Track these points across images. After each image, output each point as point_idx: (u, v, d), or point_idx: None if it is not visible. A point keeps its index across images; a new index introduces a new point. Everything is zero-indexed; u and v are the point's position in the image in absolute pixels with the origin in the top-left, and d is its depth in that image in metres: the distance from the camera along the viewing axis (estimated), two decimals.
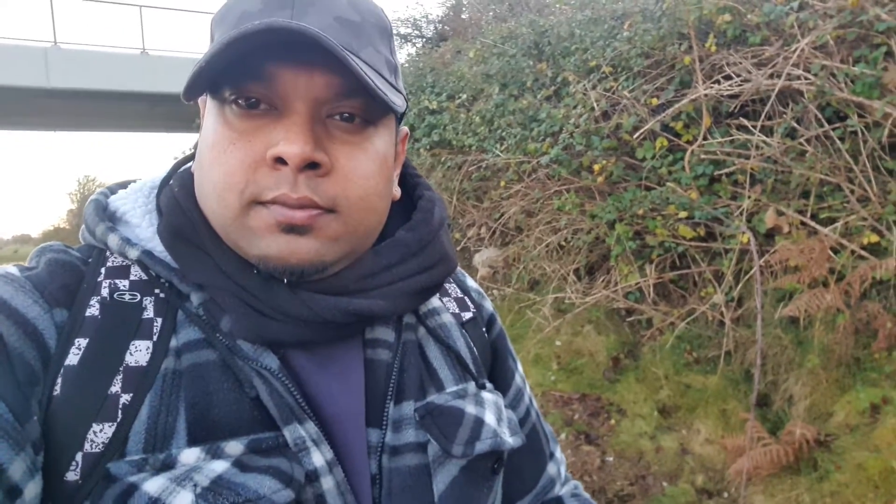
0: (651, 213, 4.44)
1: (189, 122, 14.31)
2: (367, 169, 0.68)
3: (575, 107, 5.04)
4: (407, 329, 0.76)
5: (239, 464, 0.61)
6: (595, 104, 4.85)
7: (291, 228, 0.64)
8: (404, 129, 0.81)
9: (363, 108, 0.67)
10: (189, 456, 0.60)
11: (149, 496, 0.57)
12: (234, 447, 0.62)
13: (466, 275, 0.94)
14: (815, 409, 3.46)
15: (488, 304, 0.91)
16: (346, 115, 0.67)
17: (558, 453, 0.95)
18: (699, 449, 3.89)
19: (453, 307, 0.84)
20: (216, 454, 0.61)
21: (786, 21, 3.96)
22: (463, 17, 13.67)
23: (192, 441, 0.62)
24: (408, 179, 0.84)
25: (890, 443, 2.82)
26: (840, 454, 3.05)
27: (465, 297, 0.88)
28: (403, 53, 13.18)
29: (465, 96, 6.76)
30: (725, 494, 3.57)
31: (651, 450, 4.01)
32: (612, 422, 4.33)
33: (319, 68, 0.63)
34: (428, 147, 6.71)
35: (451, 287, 0.88)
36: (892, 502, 2.49)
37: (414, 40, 14.42)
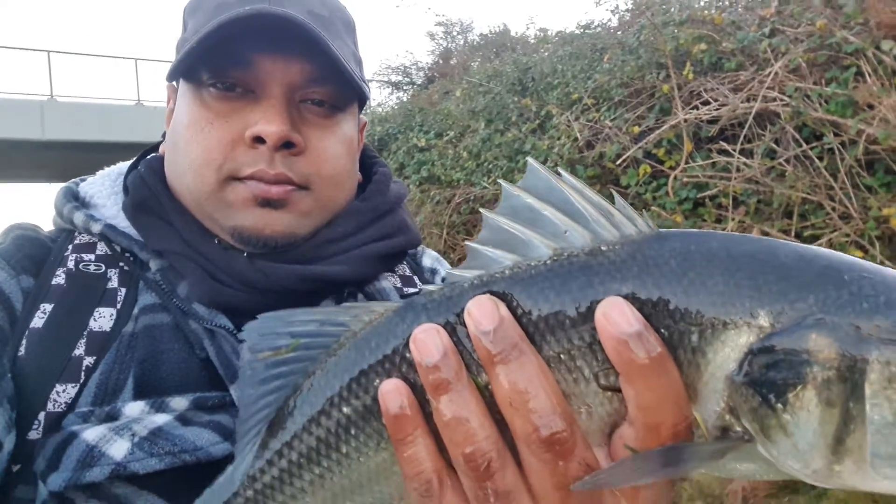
0: None
1: None
2: (337, 150, 0.74)
3: (559, 138, 5.13)
4: (348, 298, 0.78)
5: (181, 418, 0.63)
6: (578, 134, 4.93)
7: (267, 202, 0.69)
8: (363, 118, 0.86)
9: (333, 94, 0.73)
10: (133, 409, 0.62)
11: (86, 443, 0.58)
12: (179, 402, 0.63)
13: (427, 250, 0.94)
14: None
15: (439, 279, 0.91)
16: (317, 100, 0.72)
17: None
18: (697, 475, 3.81)
19: (395, 281, 0.85)
20: (160, 408, 0.63)
21: (759, 47, 4.08)
22: (451, 62, 14.02)
23: (138, 395, 0.63)
24: (365, 161, 0.88)
25: None
26: None
27: (414, 276, 0.88)
28: (394, 98, 13.47)
29: (452, 133, 6.87)
30: None
31: None
32: None
33: (295, 56, 0.69)
34: (417, 183, 6.78)
35: (400, 266, 0.88)
36: None
37: (405, 87, 14.75)
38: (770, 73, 3.86)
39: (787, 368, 0.37)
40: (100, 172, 0.84)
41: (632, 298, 0.39)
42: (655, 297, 0.39)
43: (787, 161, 3.85)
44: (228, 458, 0.62)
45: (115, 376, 0.64)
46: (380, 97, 13.66)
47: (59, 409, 0.62)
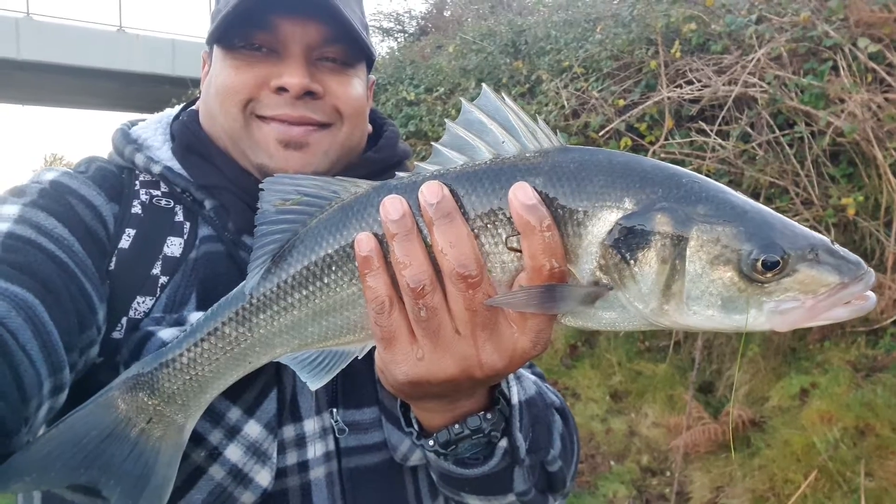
0: None
1: (163, 103, 14.06)
2: (354, 92, 0.87)
3: (547, 104, 5.24)
4: None
5: None
6: (566, 102, 5.05)
7: (289, 144, 0.82)
8: (372, 77, 0.99)
9: (344, 52, 0.86)
10: (195, 317, 0.77)
11: (162, 340, 0.74)
12: None
13: None
14: (753, 393, 3.71)
15: None
16: (331, 57, 0.85)
17: None
18: (646, 431, 4.12)
19: None
20: None
21: (745, 32, 4.21)
22: (445, 14, 13.81)
23: (199, 307, 0.79)
24: (376, 120, 1.01)
25: (814, 422, 3.07)
26: (771, 433, 3.30)
27: None
28: (384, 47, 13.29)
29: (442, 90, 6.91)
30: (668, 473, 3.80)
31: (601, 431, 4.23)
32: (567, 405, 4.55)
33: (312, 19, 0.82)
34: (404, 137, 6.83)
35: None
36: (810, 472, 2.73)
37: (396, 35, 14.52)
38: (753, 59, 4.01)
39: (639, 236, 0.55)
40: (148, 118, 0.96)
41: (540, 188, 0.57)
42: (557, 187, 0.57)
43: (760, 146, 4.05)
44: None
45: (181, 292, 0.79)
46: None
47: (138, 317, 0.77)
